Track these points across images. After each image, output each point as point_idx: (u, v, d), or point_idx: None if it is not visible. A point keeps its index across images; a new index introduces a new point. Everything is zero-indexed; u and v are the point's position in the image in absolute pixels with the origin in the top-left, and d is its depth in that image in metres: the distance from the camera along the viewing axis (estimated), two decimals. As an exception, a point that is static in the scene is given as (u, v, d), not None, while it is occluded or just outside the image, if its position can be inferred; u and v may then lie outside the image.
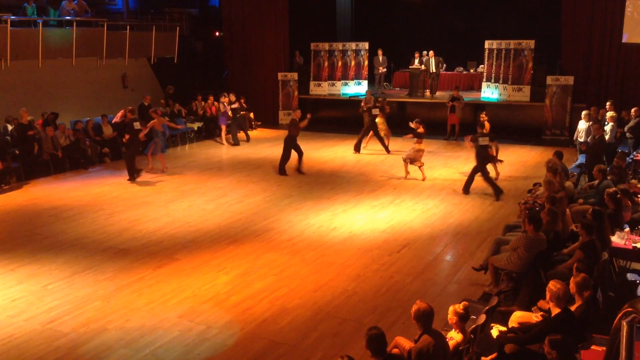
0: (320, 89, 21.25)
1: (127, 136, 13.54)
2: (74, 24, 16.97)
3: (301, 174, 13.79)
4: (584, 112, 13.97)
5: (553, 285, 5.26)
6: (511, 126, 18.57)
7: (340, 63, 21.30)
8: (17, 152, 13.96)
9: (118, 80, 19.32)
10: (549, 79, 17.84)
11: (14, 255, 9.01)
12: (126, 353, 6.26)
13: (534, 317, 5.67)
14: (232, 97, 17.77)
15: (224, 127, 17.69)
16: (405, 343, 5.09)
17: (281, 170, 13.89)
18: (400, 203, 11.58)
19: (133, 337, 6.57)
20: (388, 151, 15.86)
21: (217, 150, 17.09)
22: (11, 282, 8.05)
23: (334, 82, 21.33)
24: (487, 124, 13.97)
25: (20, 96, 15.86)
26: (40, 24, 16.09)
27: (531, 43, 18.22)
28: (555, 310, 5.24)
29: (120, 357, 6.19)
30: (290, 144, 13.78)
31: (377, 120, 15.86)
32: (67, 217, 10.91)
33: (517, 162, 15.09)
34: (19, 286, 7.90)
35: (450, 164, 14.74)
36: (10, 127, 14.35)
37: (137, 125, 13.47)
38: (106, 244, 9.48)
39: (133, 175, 13.40)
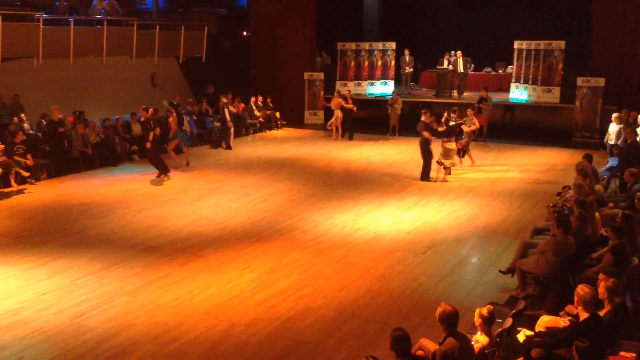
0: (346, 88, 21.21)
1: (151, 134, 13.53)
2: (105, 23, 17.23)
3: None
4: (614, 115, 13.73)
5: (582, 290, 5.18)
6: (540, 128, 18.36)
7: (366, 63, 21.27)
8: (48, 148, 14.24)
9: (147, 79, 19.55)
10: (580, 81, 17.54)
11: (45, 250, 9.18)
12: (152, 348, 6.33)
13: (562, 321, 5.60)
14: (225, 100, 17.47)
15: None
16: (430, 345, 5.07)
17: (425, 176, 13.13)
18: (426, 204, 11.51)
19: (159, 332, 6.65)
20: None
21: (243, 149, 17.18)
22: (41, 276, 8.21)
23: (360, 82, 21.31)
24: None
25: (51, 93, 16.16)
26: (72, 22, 16.37)
27: (561, 44, 17.95)
28: (584, 315, 5.16)
29: (146, 352, 6.27)
30: (428, 147, 12.95)
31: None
32: (96, 213, 11.09)
33: (546, 164, 14.88)
34: (48, 280, 8.06)
35: (478, 165, 14.58)
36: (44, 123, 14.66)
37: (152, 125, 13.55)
38: (134, 240, 9.61)
39: (165, 170, 13.61)
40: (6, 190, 12.43)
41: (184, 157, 14.95)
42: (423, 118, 12.83)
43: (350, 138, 18.19)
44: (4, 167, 12.54)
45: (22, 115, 14.85)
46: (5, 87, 15.27)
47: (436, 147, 13.07)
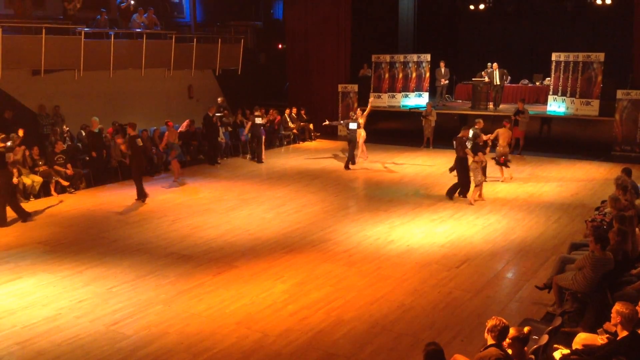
0: (380, 100, 21.18)
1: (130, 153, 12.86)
2: (144, 36, 17.61)
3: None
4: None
5: (621, 307, 5.06)
6: (578, 141, 18.00)
7: (401, 75, 21.21)
8: (87, 158, 14.57)
9: (184, 90, 19.91)
10: (620, 93, 17.18)
11: (82, 258, 9.37)
12: (185, 357, 6.39)
13: (600, 339, 5.45)
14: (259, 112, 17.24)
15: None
16: (464, 360, 4.98)
17: (450, 193, 12.66)
18: (461, 217, 11.38)
19: (192, 341, 6.71)
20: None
21: (277, 160, 17.29)
22: (78, 283, 8.37)
23: (394, 93, 21.25)
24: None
25: (91, 105, 16.55)
26: (112, 36, 16.78)
27: (601, 56, 17.62)
28: (623, 333, 5.03)
29: (179, 360, 6.33)
30: (465, 166, 12.41)
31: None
32: (133, 222, 11.28)
33: (585, 178, 14.57)
34: (85, 288, 8.22)
35: (514, 178, 14.35)
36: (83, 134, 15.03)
37: (139, 142, 12.72)
38: (169, 250, 9.74)
39: (142, 194, 12.74)
40: (46, 199, 12.75)
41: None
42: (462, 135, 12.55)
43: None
44: (45, 176, 12.89)
45: (64, 125, 15.25)
46: (47, 98, 15.69)
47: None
